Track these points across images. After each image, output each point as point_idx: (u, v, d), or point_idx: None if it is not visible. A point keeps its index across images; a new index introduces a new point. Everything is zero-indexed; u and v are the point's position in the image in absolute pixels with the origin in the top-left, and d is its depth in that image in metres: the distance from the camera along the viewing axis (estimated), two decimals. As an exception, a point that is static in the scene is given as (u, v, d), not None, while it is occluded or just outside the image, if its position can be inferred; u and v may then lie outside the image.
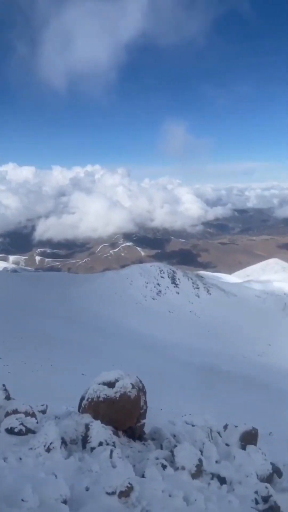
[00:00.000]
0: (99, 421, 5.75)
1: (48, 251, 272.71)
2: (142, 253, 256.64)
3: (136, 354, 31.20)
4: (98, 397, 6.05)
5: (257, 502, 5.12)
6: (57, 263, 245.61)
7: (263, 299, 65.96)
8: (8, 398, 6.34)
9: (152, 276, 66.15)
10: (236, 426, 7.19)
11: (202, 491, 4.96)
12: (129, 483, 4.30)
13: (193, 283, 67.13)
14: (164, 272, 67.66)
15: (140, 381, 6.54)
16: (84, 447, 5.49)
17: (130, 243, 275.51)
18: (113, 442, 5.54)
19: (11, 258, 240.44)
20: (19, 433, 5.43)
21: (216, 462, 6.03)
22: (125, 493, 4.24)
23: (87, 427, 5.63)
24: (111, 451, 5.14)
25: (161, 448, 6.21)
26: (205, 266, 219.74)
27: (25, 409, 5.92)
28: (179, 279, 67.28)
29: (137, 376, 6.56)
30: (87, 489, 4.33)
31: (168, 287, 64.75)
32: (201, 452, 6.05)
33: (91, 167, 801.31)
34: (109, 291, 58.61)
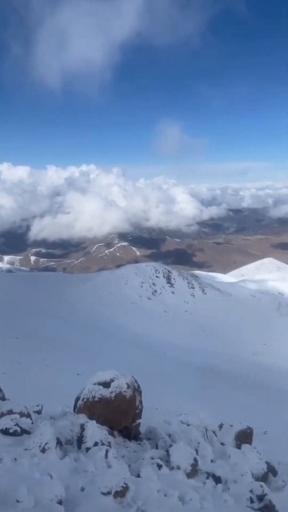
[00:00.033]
0: (94, 421, 5.75)
1: (43, 251, 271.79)
2: (138, 253, 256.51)
3: (131, 354, 31.18)
4: (94, 397, 6.04)
5: (252, 501, 5.14)
6: (52, 263, 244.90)
7: (258, 299, 66.16)
8: (3, 398, 6.32)
9: (148, 276, 66.15)
10: (231, 426, 7.21)
11: (197, 491, 4.97)
12: (124, 483, 4.30)
13: (188, 282, 67.21)
14: (159, 272, 67.68)
15: (135, 381, 6.55)
16: (79, 447, 5.48)
17: (125, 243, 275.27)
18: (109, 442, 5.54)
19: (6, 258, 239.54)
20: (14, 433, 5.41)
21: (212, 461, 6.05)
22: (120, 493, 4.24)
23: (82, 427, 5.63)
24: (107, 451, 5.14)
25: (157, 448, 6.21)
26: (200, 265, 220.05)
27: (20, 410, 5.90)
28: (174, 278, 67.33)
29: (132, 376, 6.56)
30: (82, 489, 4.33)
31: (163, 286, 64.78)
32: (197, 451, 6.07)
33: (86, 166, 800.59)
34: (104, 291, 58.54)
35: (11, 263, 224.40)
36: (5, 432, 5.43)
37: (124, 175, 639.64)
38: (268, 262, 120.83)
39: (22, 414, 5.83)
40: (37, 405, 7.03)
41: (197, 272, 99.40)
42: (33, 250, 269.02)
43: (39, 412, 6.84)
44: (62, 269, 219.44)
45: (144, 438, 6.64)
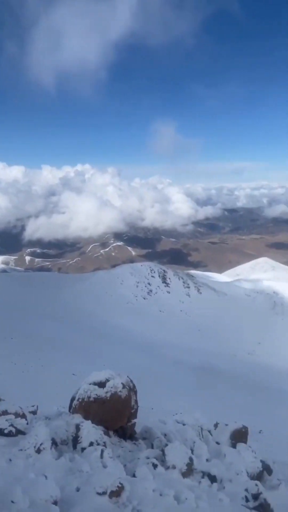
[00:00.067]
0: (89, 421, 5.74)
1: (38, 251, 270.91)
2: (133, 253, 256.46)
3: (127, 353, 31.18)
4: (89, 397, 6.03)
5: (247, 500, 5.16)
6: (47, 263, 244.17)
7: (253, 298, 66.36)
8: (-3, 399, 6.29)
9: (143, 275, 66.15)
10: (226, 425, 7.23)
11: (192, 490, 4.98)
12: (120, 483, 4.30)
13: (183, 282, 67.29)
14: (154, 272, 67.71)
15: (131, 381, 6.54)
16: (74, 447, 5.47)
17: (120, 243, 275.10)
18: (104, 442, 5.53)
19: (1, 258, 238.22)
20: (9, 434, 5.39)
21: (207, 460, 6.06)
22: (116, 493, 4.23)
23: (77, 427, 5.61)
24: (102, 451, 5.13)
25: (152, 447, 6.21)
26: (196, 265, 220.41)
27: (15, 410, 5.88)
28: (169, 278, 67.39)
29: (127, 376, 6.56)
30: (77, 489, 4.32)
31: (159, 286, 64.81)
32: (192, 450, 6.08)
33: (81, 166, 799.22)
34: (100, 291, 58.47)
35: (6, 263, 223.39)
36: (0, 432, 5.41)
37: (119, 174, 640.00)
38: (263, 261, 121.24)
39: (17, 415, 5.81)
40: (33, 406, 7.01)
41: (193, 271, 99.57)
42: (28, 250, 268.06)
43: (34, 413, 6.81)
44: (57, 269, 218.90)
45: (140, 437, 6.64)
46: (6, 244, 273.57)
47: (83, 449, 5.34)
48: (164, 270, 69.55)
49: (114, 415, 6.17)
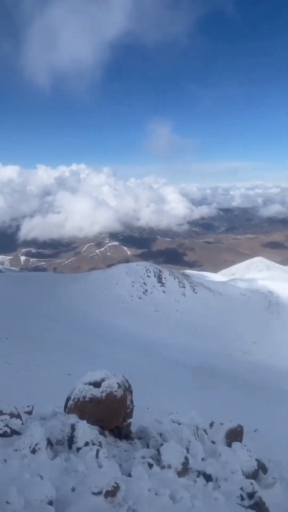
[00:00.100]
0: (85, 421, 5.73)
1: (33, 251, 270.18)
2: (128, 253, 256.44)
3: (122, 353, 31.16)
4: (84, 397, 6.02)
5: (242, 498, 5.17)
6: (43, 263, 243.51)
7: (248, 297, 66.57)
8: (-8, 399, 6.26)
9: (139, 275, 66.16)
10: (221, 424, 7.24)
11: (188, 489, 4.99)
12: (115, 483, 4.29)
13: (179, 282, 67.37)
14: (150, 271, 67.73)
15: (126, 380, 6.54)
16: (70, 447, 5.46)
17: (116, 243, 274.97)
18: (99, 442, 5.53)
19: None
20: (4, 434, 5.37)
21: (202, 459, 6.07)
22: (111, 493, 4.23)
23: (73, 427, 5.60)
24: (97, 451, 5.12)
25: (148, 447, 6.21)
26: (191, 265, 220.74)
27: (10, 411, 5.86)
28: (165, 278, 67.44)
29: (123, 376, 6.56)
30: (73, 489, 4.31)
31: (154, 286, 64.84)
32: (187, 450, 6.09)
33: (76, 166, 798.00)
34: (95, 291, 58.41)
35: (1, 263, 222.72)
36: (-5, 433, 5.39)
37: (115, 174, 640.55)
38: (258, 261, 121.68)
39: (12, 415, 5.79)
40: (28, 406, 6.98)
41: (188, 271, 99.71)
42: (23, 250, 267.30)
43: (29, 413, 6.79)
44: (53, 269, 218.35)
45: (135, 437, 6.64)
46: (1, 244, 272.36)
47: (78, 449, 5.33)
48: (159, 270, 69.60)
49: (110, 415, 6.17)
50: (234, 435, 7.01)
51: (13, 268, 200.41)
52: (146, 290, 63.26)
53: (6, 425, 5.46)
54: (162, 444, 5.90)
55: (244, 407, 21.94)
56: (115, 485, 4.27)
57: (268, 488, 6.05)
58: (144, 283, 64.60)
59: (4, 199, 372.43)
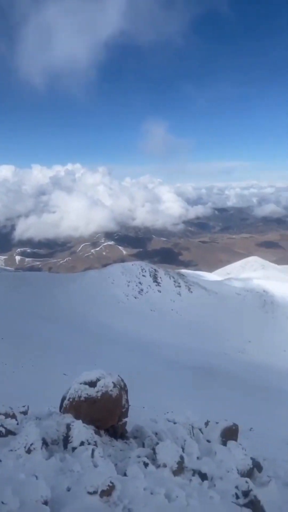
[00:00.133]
0: (80, 421, 5.73)
1: (29, 250, 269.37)
2: (124, 252, 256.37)
3: (118, 353, 31.15)
4: (80, 396, 6.02)
5: (237, 497, 5.19)
6: (38, 263, 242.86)
7: (243, 297, 66.77)
8: (-13, 400, 6.24)
9: (134, 275, 66.15)
10: (217, 423, 7.26)
11: (183, 488, 5.00)
12: (110, 482, 4.29)
13: (174, 281, 67.44)
14: (145, 271, 67.74)
15: (122, 380, 6.54)
16: (65, 447, 5.45)
17: (111, 242, 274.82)
18: (95, 442, 5.52)
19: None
20: (-1, 435, 5.36)
21: (198, 458, 6.08)
22: (106, 492, 4.23)
23: (68, 427, 5.60)
24: (93, 451, 5.12)
25: (143, 446, 6.22)
26: (186, 264, 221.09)
27: (5, 411, 5.85)
28: (160, 277, 67.48)
29: (118, 375, 6.56)
30: (68, 489, 4.30)
31: (150, 285, 64.87)
32: (183, 449, 6.09)
33: (71, 166, 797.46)
34: (91, 291, 58.33)
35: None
36: (-10, 433, 5.37)
37: (110, 174, 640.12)
38: (253, 260, 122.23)
39: (7, 415, 5.78)
40: (23, 406, 6.97)
41: (183, 270, 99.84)
42: (18, 249, 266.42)
43: (25, 413, 6.78)
44: (48, 268, 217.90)
45: (131, 436, 6.64)
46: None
47: (74, 448, 5.33)
48: (155, 270, 69.64)
49: (105, 414, 6.17)
50: (230, 434, 7.03)
51: (8, 268, 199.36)
52: (142, 290, 63.26)
53: (1, 425, 5.45)
54: (157, 443, 5.90)
55: (240, 406, 22.01)
56: (111, 485, 4.27)
57: (263, 487, 6.07)
58: (140, 283, 64.60)
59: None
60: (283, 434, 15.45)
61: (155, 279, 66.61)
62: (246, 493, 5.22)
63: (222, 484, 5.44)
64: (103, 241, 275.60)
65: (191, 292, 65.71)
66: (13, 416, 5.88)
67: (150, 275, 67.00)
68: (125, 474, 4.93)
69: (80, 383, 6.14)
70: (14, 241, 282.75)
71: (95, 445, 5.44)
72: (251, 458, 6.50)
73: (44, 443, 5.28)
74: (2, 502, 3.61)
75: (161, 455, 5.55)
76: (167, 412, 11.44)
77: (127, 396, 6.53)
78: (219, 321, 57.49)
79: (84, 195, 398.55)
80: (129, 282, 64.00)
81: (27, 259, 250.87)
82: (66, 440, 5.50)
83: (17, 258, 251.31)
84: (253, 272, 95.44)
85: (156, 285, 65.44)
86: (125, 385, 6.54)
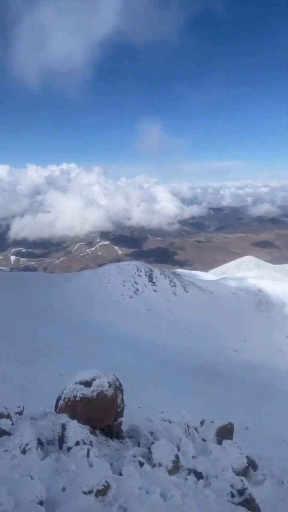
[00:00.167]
0: (75, 421, 5.72)
1: (24, 250, 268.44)
2: (119, 252, 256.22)
3: (113, 352, 31.13)
4: (75, 396, 6.01)
5: (232, 495, 5.20)
6: (33, 263, 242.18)
7: (238, 296, 66.99)
8: (-18, 400, 6.22)
9: (130, 274, 66.16)
10: (212, 422, 7.28)
11: (179, 487, 5.01)
12: (106, 482, 4.29)
13: (170, 281, 67.52)
14: (141, 271, 67.76)
15: (117, 380, 6.54)
16: (60, 447, 5.44)
17: (107, 242, 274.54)
18: (90, 441, 5.52)
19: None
20: (-6, 435, 5.33)
21: (193, 457, 6.09)
22: (102, 492, 4.22)
23: (63, 427, 5.59)
24: (88, 450, 5.11)
25: (139, 446, 6.22)
26: (182, 264, 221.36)
27: (0, 411, 5.83)
28: (156, 277, 67.53)
29: (114, 375, 6.56)
30: (63, 489, 4.29)
31: (145, 285, 64.90)
32: (178, 448, 6.11)
33: (66, 165, 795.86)
34: (86, 290, 58.26)
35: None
36: (-15, 434, 5.35)
37: (105, 173, 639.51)
38: (248, 260, 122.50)
39: (2, 415, 5.75)
40: (18, 406, 6.94)
41: (179, 270, 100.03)
42: (13, 249, 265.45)
43: (20, 413, 6.75)
44: (43, 268, 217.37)
45: (126, 436, 6.64)
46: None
47: (69, 448, 5.31)
48: (150, 269, 69.68)
49: (101, 414, 6.16)
50: (225, 433, 7.05)
51: (3, 268, 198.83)
52: (137, 290, 63.28)
53: (-4, 426, 5.43)
54: (153, 443, 5.90)
55: (234, 404, 22.09)
56: (106, 484, 4.27)
57: (258, 485, 6.10)
58: (135, 283, 64.61)
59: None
60: (279, 433, 15.53)
61: (150, 278, 66.66)
62: (241, 492, 5.24)
63: (218, 483, 5.46)
64: (98, 240, 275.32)
65: (187, 291, 65.82)
66: (8, 416, 5.86)
67: (145, 275, 67.03)
68: (120, 474, 4.93)
69: (76, 383, 6.13)
70: (9, 241, 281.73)
71: (91, 444, 5.43)
72: (246, 457, 6.53)
73: (39, 443, 5.27)
74: (-3, 503, 3.60)
75: (157, 454, 5.56)
76: (163, 412, 11.45)
77: (122, 395, 6.53)
78: (215, 320, 57.63)
79: (79, 194, 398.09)
80: (124, 281, 64.00)
81: (22, 259, 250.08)
82: (61, 440, 5.49)
83: (12, 258, 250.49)
84: (248, 272, 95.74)
85: (151, 284, 65.49)
86: (120, 384, 6.54)
